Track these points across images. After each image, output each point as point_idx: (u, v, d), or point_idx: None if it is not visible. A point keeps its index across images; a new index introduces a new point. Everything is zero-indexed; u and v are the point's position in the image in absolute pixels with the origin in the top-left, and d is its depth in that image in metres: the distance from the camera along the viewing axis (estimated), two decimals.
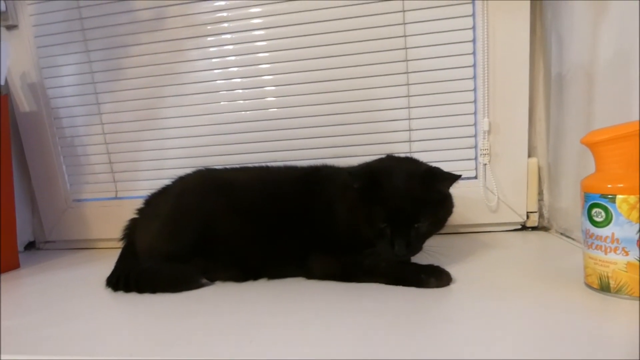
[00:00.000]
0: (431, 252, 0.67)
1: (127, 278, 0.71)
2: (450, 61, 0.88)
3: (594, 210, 0.53)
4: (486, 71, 0.86)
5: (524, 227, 0.93)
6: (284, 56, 0.94)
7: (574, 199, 0.79)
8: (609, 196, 0.51)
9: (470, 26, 0.86)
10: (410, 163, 0.71)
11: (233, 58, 0.97)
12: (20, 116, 1.04)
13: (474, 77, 0.88)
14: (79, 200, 1.08)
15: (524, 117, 0.88)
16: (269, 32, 0.94)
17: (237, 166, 0.88)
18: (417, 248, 0.65)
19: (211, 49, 0.97)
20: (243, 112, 0.98)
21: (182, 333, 0.54)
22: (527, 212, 0.91)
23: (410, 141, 0.93)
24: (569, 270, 0.63)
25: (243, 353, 0.46)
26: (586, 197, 0.54)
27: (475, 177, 0.92)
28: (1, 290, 0.79)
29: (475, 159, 0.92)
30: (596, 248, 0.53)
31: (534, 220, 0.92)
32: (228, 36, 0.96)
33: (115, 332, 0.57)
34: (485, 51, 0.85)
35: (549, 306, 0.53)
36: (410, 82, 0.90)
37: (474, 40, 0.87)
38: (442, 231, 0.69)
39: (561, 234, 0.85)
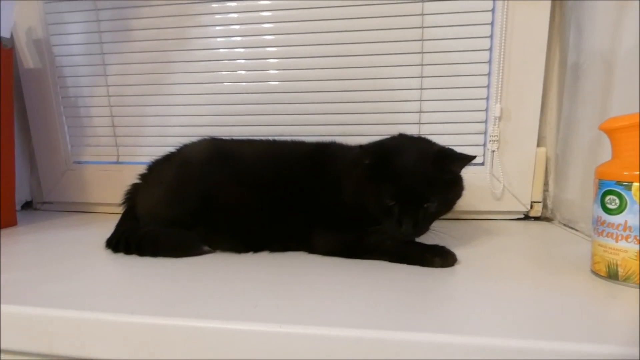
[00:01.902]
0: (436, 233, 0.67)
1: (127, 240, 0.71)
2: (466, 43, 0.87)
3: (608, 198, 0.52)
4: (502, 56, 0.85)
5: (526, 217, 0.93)
6: (292, 28, 0.92)
7: (581, 190, 0.79)
8: (625, 183, 0.51)
9: (490, 9, 0.85)
10: (423, 142, 0.70)
11: (237, 27, 0.95)
12: (24, 72, 1.02)
13: (489, 62, 0.87)
14: (79, 162, 1.07)
15: (536, 106, 0.87)
16: (275, 2, 0.92)
17: (243, 138, 0.87)
18: (424, 228, 0.64)
19: (216, 16, 0.95)
20: (246, 84, 0.97)
21: (184, 295, 0.53)
22: (532, 202, 0.91)
23: (419, 123, 0.92)
24: (574, 258, 0.64)
25: (247, 316, 0.46)
26: (600, 184, 0.54)
27: (482, 164, 0.92)
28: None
29: (484, 145, 0.91)
30: (607, 235, 0.53)
31: (537, 210, 0.92)
32: (233, 4, 0.94)
33: (116, 291, 0.57)
34: (503, 35, 0.84)
35: (554, 290, 0.53)
36: (424, 63, 0.89)
37: (492, 24, 0.85)
38: (444, 216, 0.68)
39: (564, 224, 0.85)
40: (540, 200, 0.92)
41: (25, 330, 0.49)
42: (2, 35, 0.86)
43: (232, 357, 0.44)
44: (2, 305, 0.50)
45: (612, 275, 0.53)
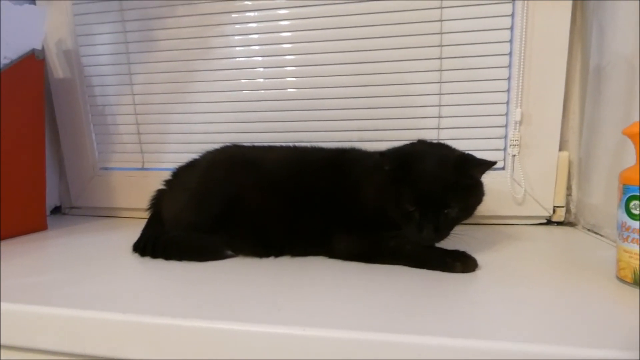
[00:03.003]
0: (457, 237, 0.66)
1: (154, 244, 0.73)
2: (486, 48, 0.86)
3: (633, 203, 0.52)
4: (522, 60, 0.84)
5: (549, 222, 0.91)
6: (310, 36, 0.94)
7: (605, 194, 0.78)
8: None
9: (509, 13, 0.84)
10: (443, 148, 0.70)
11: (256, 36, 0.97)
12: (54, 82, 1.06)
13: (509, 66, 0.86)
14: (106, 169, 1.10)
15: (557, 109, 0.86)
16: (293, 11, 0.94)
17: (264, 144, 0.89)
18: (445, 234, 0.64)
19: (236, 26, 0.97)
20: (265, 91, 0.98)
21: (210, 298, 0.55)
22: (554, 207, 0.90)
23: (438, 128, 0.92)
24: (599, 264, 0.63)
25: (272, 319, 0.47)
26: (625, 189, 0.53)
27: (503, 168, 0.91)
28: (28, 249, 0.82)
29: (504, 149, 0.90)
30: (632, 241, 0.52)
31: (560, 215, 0.91)
32: (252, 14, 0.95)
33: (145, 293, 0.58)
34: (523, 39, 0.83)
35: (579, 296, 0.53)
36: (443, 68, 0.89)
37: (511, 28, 0.85)
38: (465, 221, 0.68)
39: (588, 230, 0.84)
40: (563, 204, 0.90)
41: (59, 331, 0.51)
42: (34, 47, 0.90)
43: (261, 358, 0.46)
44: (36, 307, 0.52)
45: (637, 281, 0.52)
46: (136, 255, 0.74)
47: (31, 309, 0.52)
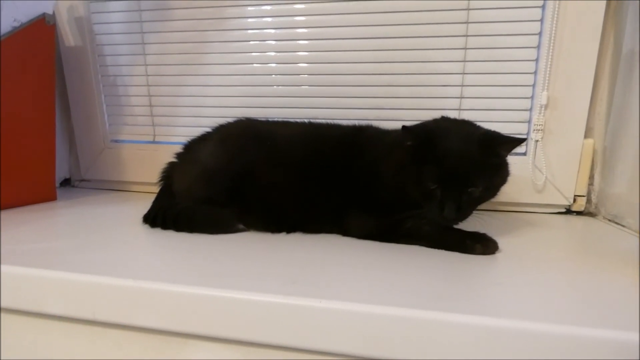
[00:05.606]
0: (477, 219, 0.64)
1: (164, 216, 0.71)
2: (514, 27, 0.83)
3: None
4: (552, 41, 0.80)
5: (568, 211, 0.89)
6: (326, 8, 0.90)
7: (629, 184, 0.75)
8: None
9: None
10: (467, 125, 0.67)
11: (269, 7, 0.93)
12: (65, 50, 1.04)
13: (538, 47, 0.83)
14: (116, 141, 1.08)
15: (586, 95, 0.83)
16: None
17: (279, 119, 0.86)
18: (467, 214, 0.62)
19: None
20: (280, 65, 0.96)
21: (224, 269, 0.53)
22: (575, 196, 0.87)
23: (460, 109, 0.89)
24: (622, 252, 0.61)
25: (287, 291, 0.45)
26: None
27: (525, 154, 0.88)
28: (36, 217, 0.81)
29: (527, 134, 0.87)
30: None
31: (580, 205, 0.88)
32: None
33: (156, 262, 0.57)
34: (555, 19, 0.80)
35: (604, 281, 0.51)
36: (468, 47, 0.86)
37: (543, 7, 0.81)
38: (481, 206, 0.66)
39: (609, 220, 0.81)
40: (584, 194, 0.88)
41: (70, 296, 0.49)
42: (45, 11, 0.88)
43: (274, 330, 0.44)
44: (45, 271, 0.51)
45: None
46: (146, 226, 0.73)
47: (40, 272, 0.51)
